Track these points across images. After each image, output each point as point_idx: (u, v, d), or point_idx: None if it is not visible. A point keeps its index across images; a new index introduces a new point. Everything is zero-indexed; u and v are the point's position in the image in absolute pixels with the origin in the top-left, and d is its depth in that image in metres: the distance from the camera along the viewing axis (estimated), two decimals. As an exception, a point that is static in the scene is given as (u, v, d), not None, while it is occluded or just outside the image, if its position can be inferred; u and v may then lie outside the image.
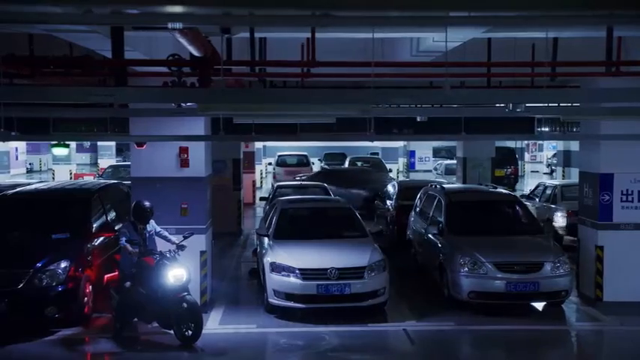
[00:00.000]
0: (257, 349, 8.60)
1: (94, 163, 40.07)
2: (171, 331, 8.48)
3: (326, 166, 36.88)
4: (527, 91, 6.23)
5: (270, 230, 10.77)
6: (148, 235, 8.90)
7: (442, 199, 11.67)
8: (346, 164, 26.94)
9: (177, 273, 8.45)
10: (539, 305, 10.22)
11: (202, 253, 9.84)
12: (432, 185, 13.02)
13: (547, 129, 17.96)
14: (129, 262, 8.67)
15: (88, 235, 9.86)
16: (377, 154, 33.10)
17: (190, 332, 8.42)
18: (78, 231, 9.69)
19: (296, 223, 11.00)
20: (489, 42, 8.61)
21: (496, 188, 12.97)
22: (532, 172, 41.23)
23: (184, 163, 9.69)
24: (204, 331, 8.57)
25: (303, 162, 30.38)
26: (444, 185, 12.90)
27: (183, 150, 9.64)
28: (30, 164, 40.25)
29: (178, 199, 9.71)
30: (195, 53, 5.61)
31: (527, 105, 8.79)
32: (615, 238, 10.10)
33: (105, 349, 8.50)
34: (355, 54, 8.64)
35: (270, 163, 32.87)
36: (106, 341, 8.66)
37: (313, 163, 31.89)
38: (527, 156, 48.09)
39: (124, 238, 8.65)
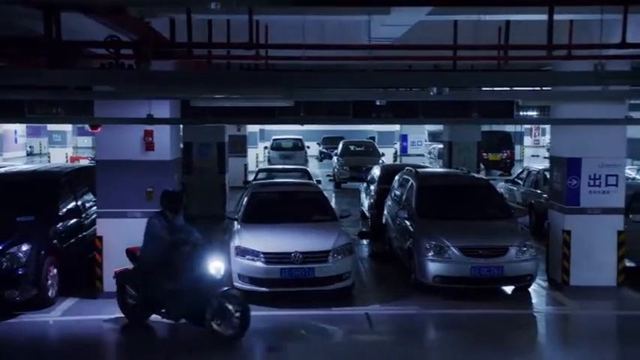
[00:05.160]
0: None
1: (94, 147, 40.14)
2: (204, 327, 7.94)
3: (324, 150, 36.92)
4: (448, 75, 6.16)
5: (239, 214, 10.79)
6: (178, 224, 8.38)
7: (414, 182, 11.63)
8: (339, 148, 26.87)
9: (217, 265, 8.00)
10: (509, 289, 10.22)
11: (169, 236, 9.84)
12: (407, 169, 12.97)
13: (535, 113, 17.85)
14: (158, 252, 8.08)
15: (54, 218, 9.89)
16: (373, 138, 33.01)
17: (234, 329, 7.87)
18: (43, 214, 9.72)
19: (265, 206, 10.98)
20: (455, 24, 8.50)
21: (469, 173, 12.90)
22: (532, 156, 40.95)
23: (149, 146, 9.68)
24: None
25: (298, 146, 30.46)
26: (418, 169, 12.84)
27: (148, 133, 9.62)
28: (30, 147, 40.44)
29: (144, 183, 9.70)
30: (124, 36, 5.57)
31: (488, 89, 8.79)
32: (582, 222, 10.06)
33: (72, 332, 8.55)
34: (320, 37, 8.58)
35: (266, 147, 32.90)
36: (76, 324, 8.73)
37: (308, 147, 31.90)
38: (529, 140, 47.82)
39: (161, 229, 8.10)
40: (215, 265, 7.97)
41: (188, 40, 5.83)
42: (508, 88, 8.11)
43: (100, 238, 9.75)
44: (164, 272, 8.05)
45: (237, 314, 7.87)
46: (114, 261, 9.61)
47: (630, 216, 10.52)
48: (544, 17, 6.08)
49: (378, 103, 9.47)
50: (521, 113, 15.81)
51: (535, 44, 6.53)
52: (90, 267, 9.96)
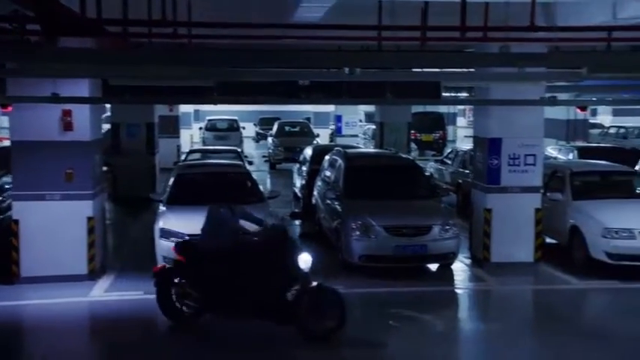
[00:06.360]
0: (139, 315, 8.50)
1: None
2: (288, 324, 7.33)
3: (260, 131, 36.63)
4: (366, 54, 6.19)
5: (164, 196, 10.61)
6: (245, 213, 8.06)
7: (342, 163, 11.69)
8: (275, 128, 26.75)
9: (306, 258, 7.29)
10: (433, 267, 10.45)
11: (89, 219, 9.60)
12: (336, 150, 13.02)
13: (465, 94, 18.17)
14: (227, 243, 7.55)
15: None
16: (309, 119, 32.98)
17: (333, 323, 7.31)
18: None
19: (191, 188, 10.81)
20: (380, 6, 8.52)
21: (397, 153, 13.07)
22: (465, 136, 41.77)
23: (68, 126, 9.35)
24: (85, 299, 8.38)
25: (233, 127, 30.13)
26: (347, 150, 12.91)
27: (66, 113, 9.29)
28: (-47, 128, 38.51)
29: (62, 164, 9.39)
30: (24, 10, 5.32)
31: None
32: (502, 201, 10.34)
33: None
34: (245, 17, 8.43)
35: (200, 128, 32.38)
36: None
37: (244, 128, 31.59)
38: (463, 121, 48.73)
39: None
40: (304, 258, 7.28)
41: (98, 16, 5.62)
42: (437, 70, 8.20)
43: (17, 222, 9.40)
44: (236, 266, 7.40)
45: (335, 308, 7.33)
46: (31, 245, 9.33)
47: (547, 194, 10.89)
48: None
49: (300, 83, 9.49)
50: (449, 94, 16.06)
51: (450, 25, 6.61)
52: (6, 251, 9.59)
